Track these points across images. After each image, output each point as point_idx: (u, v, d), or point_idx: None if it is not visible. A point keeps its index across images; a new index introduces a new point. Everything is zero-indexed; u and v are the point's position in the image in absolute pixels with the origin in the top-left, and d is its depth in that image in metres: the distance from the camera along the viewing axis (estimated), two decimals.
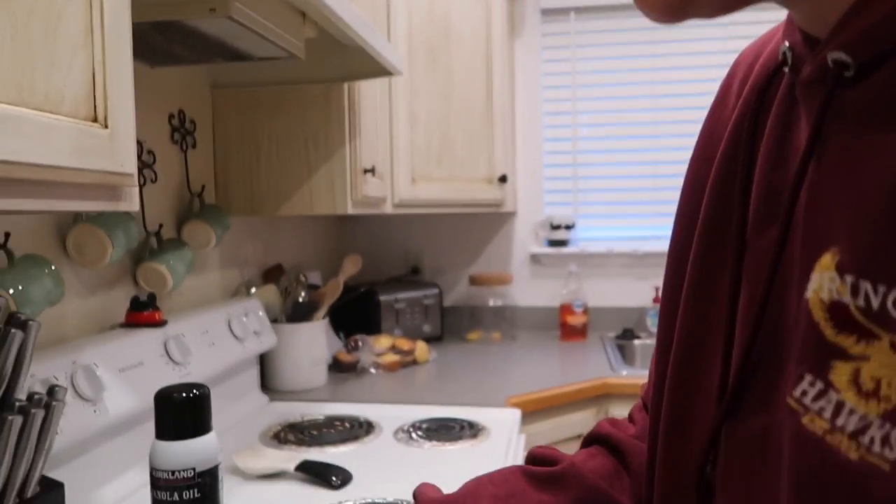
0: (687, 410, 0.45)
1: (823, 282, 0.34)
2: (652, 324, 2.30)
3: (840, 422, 0.32)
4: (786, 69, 0.42)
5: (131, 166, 0.68)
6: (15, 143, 0.53)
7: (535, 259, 2.45)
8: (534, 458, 0.63)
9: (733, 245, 0.43)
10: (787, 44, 0.41)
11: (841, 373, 0.33)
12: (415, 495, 0.62)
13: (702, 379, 0.45)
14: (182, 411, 0.65)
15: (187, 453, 0.64)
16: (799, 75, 0.40)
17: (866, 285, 0.32)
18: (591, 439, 0.65)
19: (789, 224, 0.38)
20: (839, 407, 0.33)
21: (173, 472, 0.63)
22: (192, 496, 0.63)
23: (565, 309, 2.29)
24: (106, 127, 0.64)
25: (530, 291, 2.44)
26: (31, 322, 0.74)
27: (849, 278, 0.33)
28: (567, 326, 2.29)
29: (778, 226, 0.39)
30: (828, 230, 0.35)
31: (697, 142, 0.53)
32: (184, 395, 0.65)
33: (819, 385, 0.34)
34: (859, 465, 0.31)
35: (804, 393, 0.35)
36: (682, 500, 0.45)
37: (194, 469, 0.64)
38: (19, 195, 0.57)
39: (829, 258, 0.34)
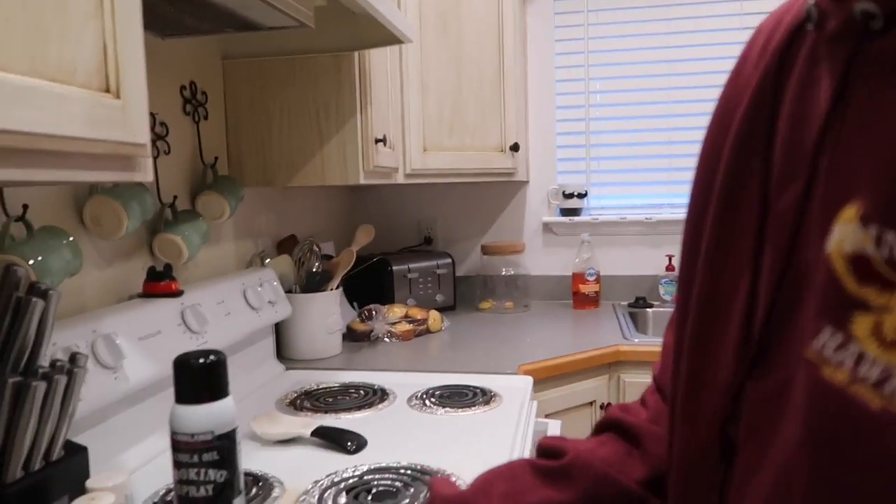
0: (705, 373, 0.46)
1: (846, 234, 0.34)
2: (665, 292, 2.30)
3: (862, 373, 0.33)
4: (810, 26, 0.42)
5: (144, 137, 0.68)
6: (30, 114, 0.54)
7: (548, 228, 2.45)
8: (543, 449, 0.63)
9: (755, 209, 0.43)
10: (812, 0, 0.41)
11: (862, 324, 0.33)
12: (429, 490, 0.63)
13: (720, 342, 0.45)
14: (200, 376, 0.66)
15: (206, 417, 0.65)
16: (823, 31, 0.39)
17: (890, 235, 0.32)
18: (602, 426, 0.65)
19: (812, 181, 0.38)
20: (860, 358, 0.33)
21: (193, 435, 0.65)
22: (211, 458, 0.65)
23: (578, 278, 2.30)
24: (118, 97, 0.65)
25: (543, 260, 2.45)
26: (51, 291, 0.76)
27: (873, 229, 0.33)
28: (579, 295, 2.29)
29: (799, 183, 0.39)
30: (851, 183, 0.35)
31: (714, 111, 0.52)
32: (201, 360, 0.66)
33: (839, 337, 0.34)
34: (881, 414, 0.32)
35: (824, 345, 0.35)
36: (705, 459, 0.45)
37: (213, 432, 0.65)
38: (35, 166, 0.58)
39: (853, 211, 0.34)
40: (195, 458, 0.65)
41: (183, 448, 0.66)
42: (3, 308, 0.74)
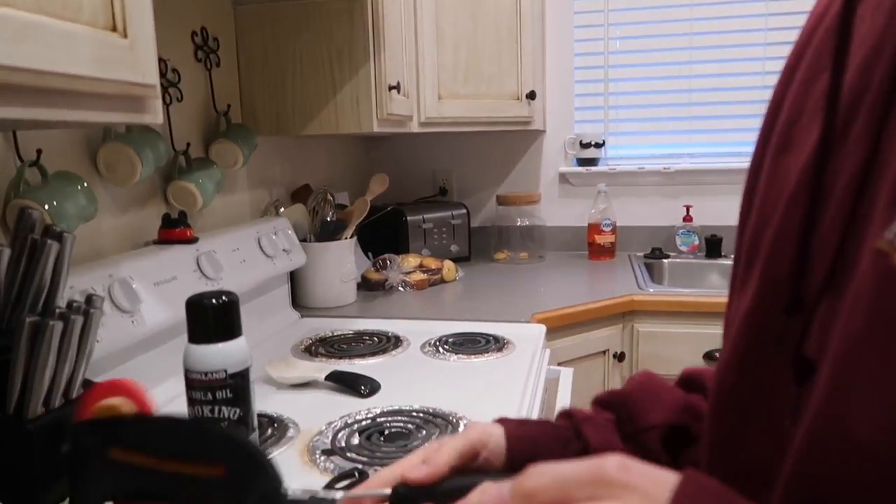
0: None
1: None
2: (681, 243, 2.28)
3: None
4: None
5: (153, 77, 0.68)
6: (37, 51, 0.54)
7: (564, 178, 2.42)
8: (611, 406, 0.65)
9: (817, 126, 0.42)
10: None
11: None
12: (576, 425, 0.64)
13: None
14: (213, 316, 0.67)
15: (218, 356, 0.67)
16: None
17: None
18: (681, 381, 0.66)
19: (893, 89, 0.36)
20: None
21: (206, 374, 0.66)
22: (224, 396, 0.67)
23: (594, 228, 2.28)
24: (125, 37, 0.64)
25: (558, 211, 2.43)
26: (66, 234, 0.77)
27: None
28: (595, 246, 2.28)
29: (878, 88, 0.37)
30: None
31: (783, 68, 0.51)
32: (213, 301, 0.67)
33: None
34: None
35: None
36: (778, 382, 0.43)
37: (226, 371, 0.67)
38: (43, 105, 0.58)
39: None
40: (209, 396, 0.67)
41: (196, 386, 0.67)
42: (20, 250, 0.75)
